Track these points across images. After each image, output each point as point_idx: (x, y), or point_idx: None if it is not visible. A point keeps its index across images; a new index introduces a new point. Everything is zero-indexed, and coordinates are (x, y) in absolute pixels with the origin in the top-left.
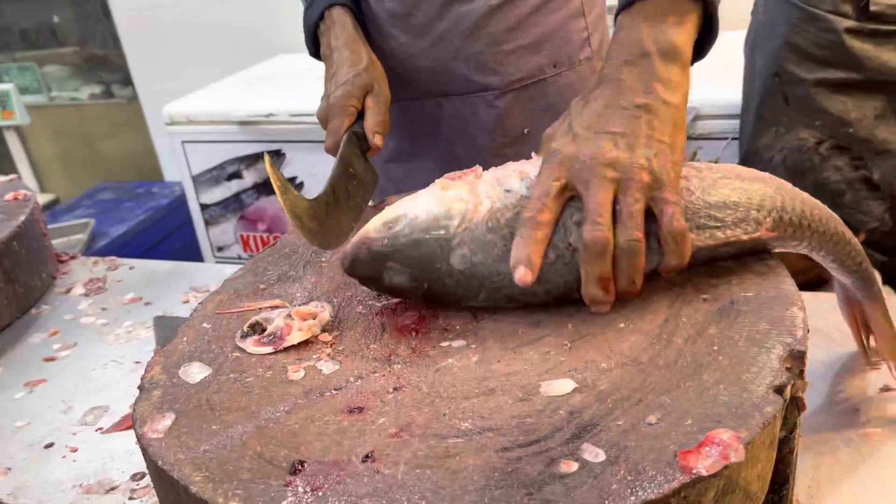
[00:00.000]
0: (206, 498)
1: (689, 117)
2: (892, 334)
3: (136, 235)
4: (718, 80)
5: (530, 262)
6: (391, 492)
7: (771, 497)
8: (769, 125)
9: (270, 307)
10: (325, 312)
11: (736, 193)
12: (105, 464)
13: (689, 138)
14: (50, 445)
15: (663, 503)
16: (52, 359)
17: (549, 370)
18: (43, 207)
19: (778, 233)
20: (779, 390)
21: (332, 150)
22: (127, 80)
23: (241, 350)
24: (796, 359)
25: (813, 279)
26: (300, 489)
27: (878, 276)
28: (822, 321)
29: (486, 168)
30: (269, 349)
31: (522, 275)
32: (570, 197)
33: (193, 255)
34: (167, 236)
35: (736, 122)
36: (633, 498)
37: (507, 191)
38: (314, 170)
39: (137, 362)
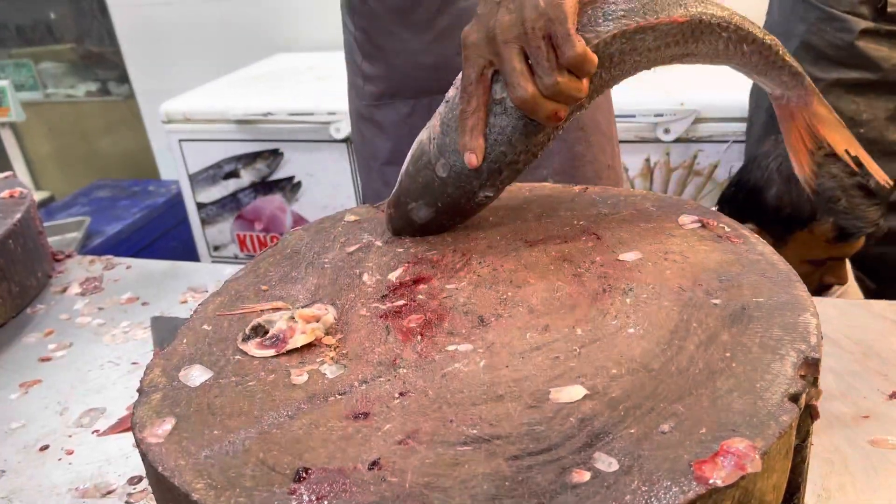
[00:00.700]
0: None
1: (690, 120)
2: (837, 120)
3: (132, 234)
4: (719, 83)
5: (472, 146)
6: (398, 501)
7: None
8: (771, 131)
9: (272, 309)
10: (329, 315)
11: None
12: (101, 467)
13: (690, 141)
14: (45, 448)
15: None
16: (48, 359)
17: (558, 376)
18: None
19: (689, 20)
20: (794, 398)
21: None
22: (123, 78)
23: (243, 353)
24: (811, 366)
25: (815, 286)
26: (305, 497)
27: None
28: (829, 327)
29: None
30: (272, 352)
31: (469, 159)
32: (493, 73)
33: (189, 254)
34: (163, 235)
35: (737, 125)
36: None
37: (447, 101)
38: (312, 170)
39: (135, 363)
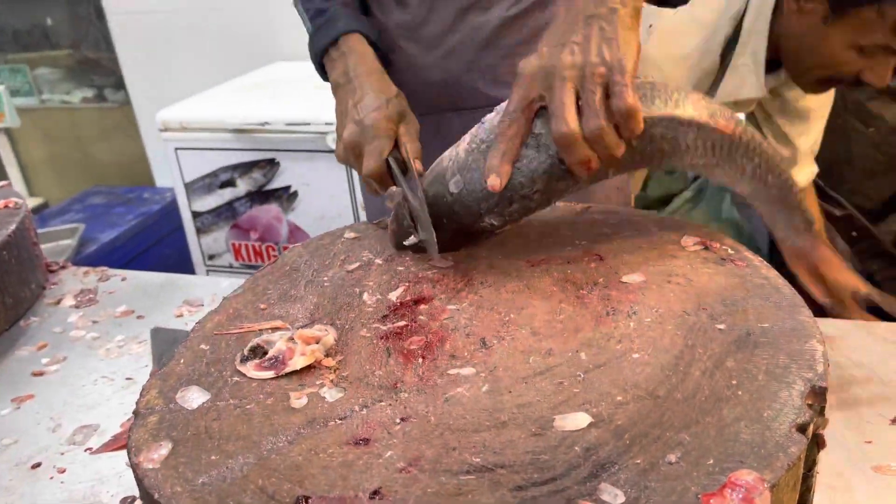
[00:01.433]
0: None
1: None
2: (841, 264)
3: (127, 241)
4: None
5: (499, 169)
6: None
7: None
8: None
9: (271, 329)
10: (329, 336)
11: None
12: (94, 486)
13: None
14: (37, 465)
15: None
16: (41, 373)
17: (562, 402)
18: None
19: (733, 133)
20: (802, 429)
21: (376, 174)
22: (120, 85)
23: (241, 374)
24: (818, 395)
25: (853, 77)
26: None
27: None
28: (831, 349)
29: None
30: (271, 374)
31: (492, 181)
32: (538, 108)
33: (184, 262)
34: (157, 243)
35: None
36: None
37: (482, 122)
38: (308, 179)
39: (129, 378)
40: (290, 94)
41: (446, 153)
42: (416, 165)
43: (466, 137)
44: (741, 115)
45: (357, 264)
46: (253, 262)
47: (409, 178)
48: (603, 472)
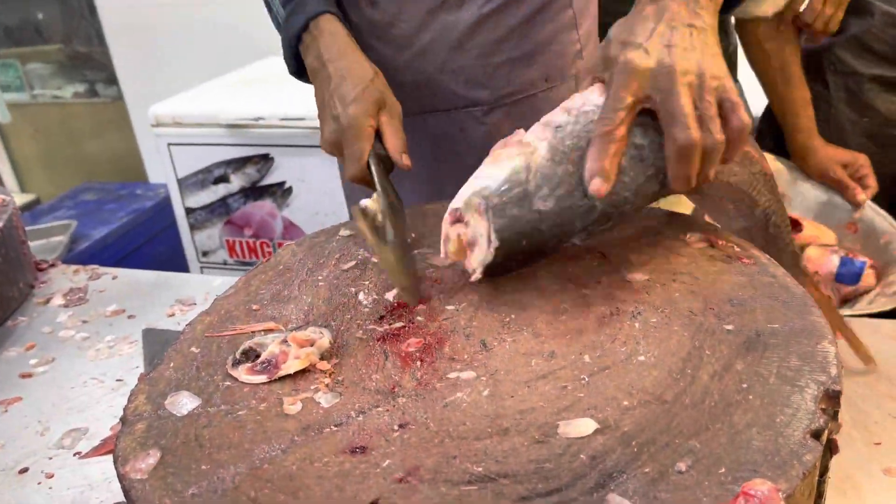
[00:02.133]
0: None
1: None
2: (829, 302)
3: (119, 238)
4: None
5: (605, 174)
6: None
7: None
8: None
9: (264, 330)
10: (324, 339)
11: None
12: (83, 492)
13: None
14: (24, 471)
15: None
16: (29, 375)
17: (566, 407)
18: (23, 208)
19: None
20: (816, 435)
21: (357, 179)
22: (112, 79)
23: (233, 379)
24: (831, 399)
25: None
26: None
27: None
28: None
29: None
30: (264, 378)
31: (598, 186)
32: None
33: (177, 259)
34: (150, 239)
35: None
36: None
37: (558, 126)
38: (303, 175)
39: (119, 380)
40: (283, 89)
41: (515, 163)
42: (404, 161)
43: (541, 146)
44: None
45: (352, 263)
46: (247, 259)
47: (384, 180)
48: (610, 481)
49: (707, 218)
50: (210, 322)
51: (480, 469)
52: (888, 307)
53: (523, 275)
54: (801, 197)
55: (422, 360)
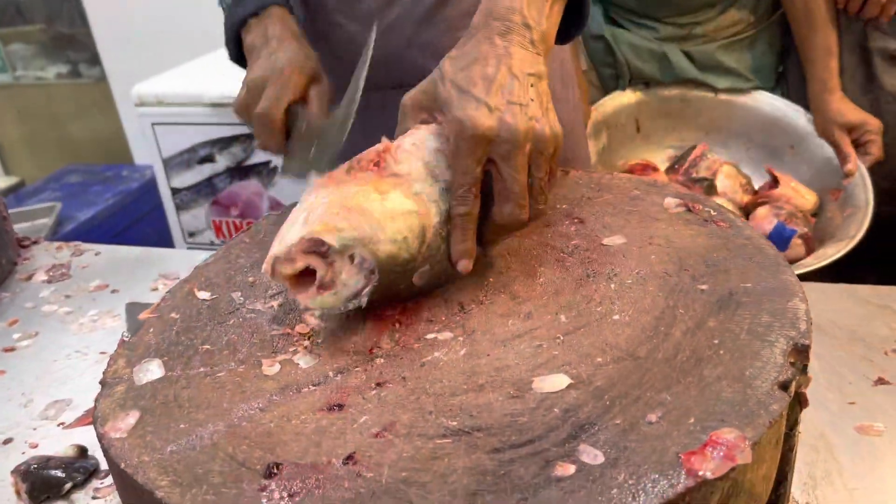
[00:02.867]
0: (173, 503)
1: None
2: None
3: (105, 220)
4: None
5: (470, 254)
6: (374, 497)
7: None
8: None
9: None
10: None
11: None
12: None
13: None
14: (9, 441)
15: None
16: (12, 349)
17: (541, 364)
18: (7, 190)
19: None
20: (784, 386)
21: (268, 118)
22: (95, 60)
23: (212, 343)
24: (800, 353)
25: None
26: (276, 494)
27: None
28: (813, 311)
29: None
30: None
31: (466, 266)
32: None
33: (164, 240)
34: (137, 221)
35: None
36: (635, 503)
37: (445, 189)
38: None
39: (103, 353)
40: None
41: (402, 221)
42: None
43: (433, 213)
44: None
45: None
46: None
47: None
48: (582, 433)
49: None
50: (190, 289)
51: (455, 423)
52: (798, 271)
53: (502, 241)
54: (809, 153)
55: (399, 323)
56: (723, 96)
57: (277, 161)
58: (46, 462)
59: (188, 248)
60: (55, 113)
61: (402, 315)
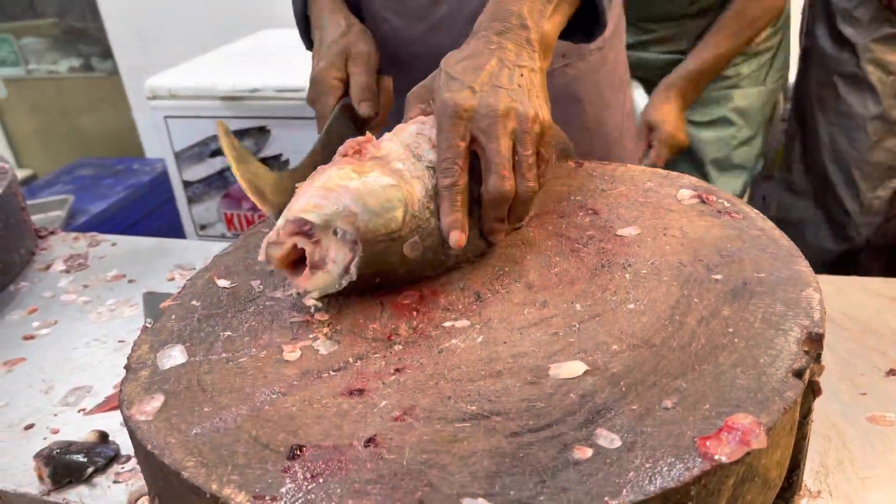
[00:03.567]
0: (199, 484)
1: None
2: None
3: (117, 213)
4: None
5: (461, 224)
6: (396, 478)
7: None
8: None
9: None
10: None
11: None
12: None
13: None
14: (30, 426)
15: (683, 492)
16: (32, 337)
17: (557, 352)
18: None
19: None
20: (798, 374)
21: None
22: (107, 54)
23: (233, 329)
24: (814, 342)
25: None
26: (299, 475)
27: None
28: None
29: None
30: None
31: (457, 238)
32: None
33: (176, 233)
34: (148, 214)
35: None
36: (651, 486)
37: (429, 166)
38: (300, 147)
39: (121, 341)
40: (280, 61)
41: (381, 193)
42: (363, 109)
43: (417, 189)
44: None
45: None
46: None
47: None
48: (599, 417)
49: None
50: (210, 277)
51: (474, 408)
52: None
53: (517, 231)
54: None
55: (417, 311)
56: None
57: (289, 154)
58: (68, 447)
59: (200, 241)
60: (67, 106)
61: (419, 303)
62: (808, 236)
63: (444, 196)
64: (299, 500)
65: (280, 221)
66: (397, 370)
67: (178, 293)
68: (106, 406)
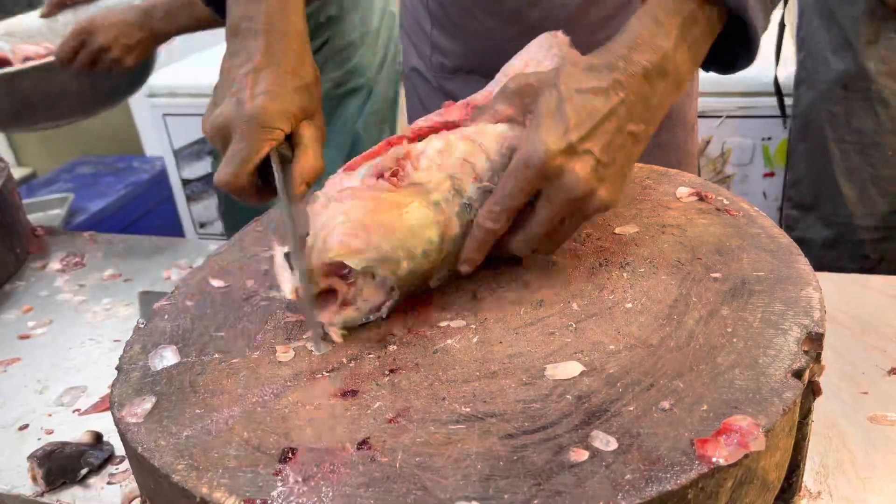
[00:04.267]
0: (190, 487)
1: None
2: None
3: (116, 211)
4: None
5: (475, 263)
6: (388, 481)
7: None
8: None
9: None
10: None
11: None
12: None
13: None
14: (25, 427)
15: (680, 495)
16: (27, 336)
17: (554, 352)
18: (19, 182)
19: None
20: (797, 374)
21: (228, 186)
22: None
23: (225, 331)
24: (814, 341)
25: None
26: (291, 478)
27: None
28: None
29: None
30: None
31: (466, 270)
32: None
33: (175, 231)
34: (148, 212)
35: (730, 101)
36: (648, 489)
37: (467, 204)
38: None
39: (117, 341)
40: None
41: (421, 234)
42: (300, 189)
43: (455, 224)
44: None
45: None
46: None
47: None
48: (595, 419)
49: None
50: (203, 277)
51: (469, 409)
52: None
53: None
54: None
55: (412, 311)
56: None
57: None
58: (62, 448)
59: (199, 239)
60: None
61: (414, 303)
62: (816, 253)
63: (477, 235)
64: None
65: (314, 262)
66: (391, 371)
67: (172, 293)
68: (101, 406)
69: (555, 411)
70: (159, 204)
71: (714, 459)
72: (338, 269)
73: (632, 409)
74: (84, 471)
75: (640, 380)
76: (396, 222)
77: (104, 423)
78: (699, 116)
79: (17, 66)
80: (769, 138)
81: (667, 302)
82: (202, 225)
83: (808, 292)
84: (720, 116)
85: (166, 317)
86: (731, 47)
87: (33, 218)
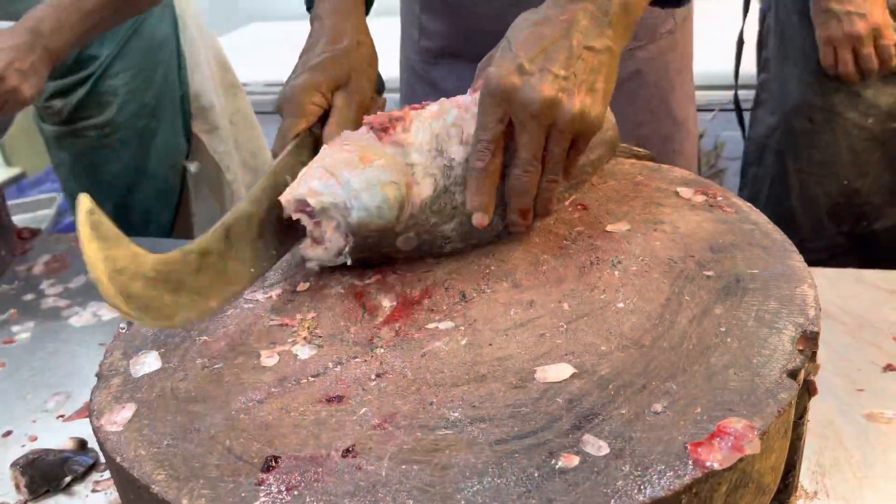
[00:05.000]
0: (170, 499)
1: None
2: None
3: None
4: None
5: (485, 208)
6: (374, 490)
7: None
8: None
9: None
10: None
11: None
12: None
13: None
14: (8, 433)
15: (673, 500)
16: (11, 341)
17: (544, 354)
18: (9, 182)
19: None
20: (793, 374)
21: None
22: None
23: (209, 336)
24: (809, 340)
25: None
26: (274, 488)
27: None
28: (821, 297)
29: None
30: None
31: (480, 220)
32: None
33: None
34: None
35: (723, 94)
36: (640, 496)
37: (448, 165)
38: None
39: (102, 345)
40: (268, 55)
41: (378, 191)
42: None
43: (426, 187)
44: None
45: None
46: None
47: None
48: (586, 423)
49: None
50: None
51: (457, 414)
52: None
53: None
54: None
55: (400, 312)
56: None
57: None
58: (46, 455)
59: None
60: None
61: (402, 305)
62: None
63: (471, 179)
64: None
65: (291, 188)
66: (378, 375)
67: None
68: (85, 413)
69: (545, 416)
70: None
71: (708, 464)
72: (303, 206)
73: (624, 412)
74: (68, 478)
75: (632, 381)
76: (357, 174)
77: (89, 430)
78: None
79: None
80: None
81: (659, 301)
82: None
83: (803, 290)
84: (713, 110)
85: None
86: None
87: (22, 218)
